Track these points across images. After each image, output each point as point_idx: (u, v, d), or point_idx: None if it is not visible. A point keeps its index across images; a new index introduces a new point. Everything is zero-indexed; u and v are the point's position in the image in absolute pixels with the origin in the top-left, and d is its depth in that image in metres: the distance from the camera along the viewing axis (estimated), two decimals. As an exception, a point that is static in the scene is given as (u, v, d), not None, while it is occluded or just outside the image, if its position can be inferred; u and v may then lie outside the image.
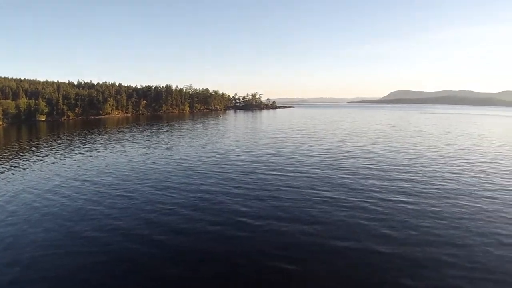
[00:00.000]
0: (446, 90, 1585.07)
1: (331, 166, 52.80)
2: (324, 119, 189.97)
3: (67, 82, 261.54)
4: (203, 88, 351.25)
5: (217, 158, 60.60)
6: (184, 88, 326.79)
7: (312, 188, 40.09)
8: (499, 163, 56.17)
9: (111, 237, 27.22)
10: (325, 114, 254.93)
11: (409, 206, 33.60)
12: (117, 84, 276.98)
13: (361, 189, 39.71)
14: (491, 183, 42.77)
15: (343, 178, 45.10)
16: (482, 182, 43.16)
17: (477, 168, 52.07)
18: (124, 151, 70.66)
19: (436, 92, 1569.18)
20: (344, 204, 34.39)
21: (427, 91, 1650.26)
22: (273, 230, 28.16)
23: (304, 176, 46.16)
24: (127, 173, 49.33)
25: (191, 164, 55.48)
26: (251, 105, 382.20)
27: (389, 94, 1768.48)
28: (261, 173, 47.87)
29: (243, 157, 61.51)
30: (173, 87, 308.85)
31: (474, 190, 39.61)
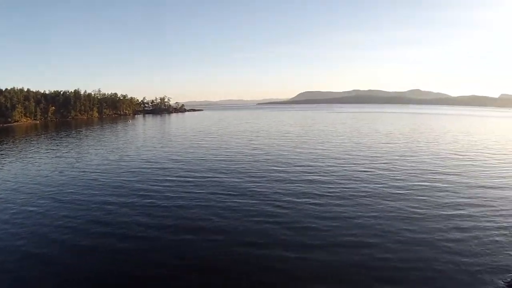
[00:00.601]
0: (355, 89, 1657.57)
1: (237, 170, 53.29)
2: (232, 121, 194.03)
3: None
4: (111, 93, 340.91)
5: (122, 166, 58.99)
6: (92, 93, 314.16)
7: (217, 194, 39.93)
8: (406, 159, 60.09)
9: (4, 255, 25.73)
10: (233, 117, 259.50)
11: (315, 207, 34.15)
12: (25, 89, 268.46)
13: (267, 193, 39.90)
14: (397, 180, 45.19)
15: (249, 182, 45.51)
16: (388, 179, 45.29)
17: (383, 165, 54.69)
18: (29, 161, 66.58)
19: (344, 92, 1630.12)
20: (249, 209, 34.43)
21: (336, 91, 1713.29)
22: (175, 240, 27.68)
23: (209, 181, 46.12)
24: (28, 186, 46.66)
25: (96, 173, 53.47)
26: (160, 109, 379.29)
27: (298, 95, 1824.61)
28: (166, 181, 47.19)
29: (148, 164, 60.34)
30: (82, 92, 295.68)
31: (380, 188, 41.36)
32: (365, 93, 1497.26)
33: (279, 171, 51.64)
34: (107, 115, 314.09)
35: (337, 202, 36.01)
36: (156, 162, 62.27)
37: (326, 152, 69.68)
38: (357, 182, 44.16)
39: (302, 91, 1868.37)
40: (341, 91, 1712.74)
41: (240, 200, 37.33)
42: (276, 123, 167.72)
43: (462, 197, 37.33)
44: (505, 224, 29.05)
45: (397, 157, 62.38)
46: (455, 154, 66.26)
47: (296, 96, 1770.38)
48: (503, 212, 32.16)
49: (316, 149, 74.08)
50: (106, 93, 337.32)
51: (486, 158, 62.07)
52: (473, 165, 55.82)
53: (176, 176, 49.88)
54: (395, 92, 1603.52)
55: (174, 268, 23.44)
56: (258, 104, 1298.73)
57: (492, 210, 32.94)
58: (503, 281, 20.35)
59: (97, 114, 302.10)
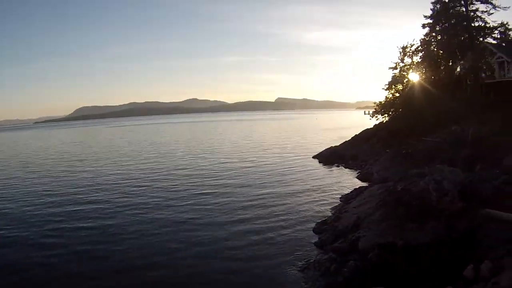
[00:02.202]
0: (132, 102, 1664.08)
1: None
2: (8, 144, 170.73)
3: None
4: None
5: None
6: None
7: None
8: (183, 170, 58.33)
9: None
10: (8, 138, 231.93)
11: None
12: None
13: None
14: (170, 192, 43.26)
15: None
16: (163, 193, 42.66)
17: (162, 178, 51.64)
18: None
19: (122, 105, 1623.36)
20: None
21: (113, 105, 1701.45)
22: None
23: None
24: None
25: None
26: None
27: (75, 111, 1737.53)
28: None
29: None
30: None
31: (152, 202, 38.55)
32: (143, 106, 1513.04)
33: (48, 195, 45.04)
34: None
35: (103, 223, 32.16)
36: None
37: (102, 169, 64.09)
38: (129, 196, 41.37)
39: (80, 107, 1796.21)
40: (118, 104, 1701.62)
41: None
42: (52, 142, 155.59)
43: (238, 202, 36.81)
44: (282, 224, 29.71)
45: (173, 168, 60.08)
46: (227, 159, 68.05)
47: (73, 112, 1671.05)
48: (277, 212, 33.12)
49: (95, 166, 68.27)
50: None
51: (257, 159, 66.39)
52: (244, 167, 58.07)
53: None
54: (172, 102, 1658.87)
55: None
56: (35, 123, 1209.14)
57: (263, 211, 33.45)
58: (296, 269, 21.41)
59: None
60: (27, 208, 38.88)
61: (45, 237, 29.19)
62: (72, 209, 37.64)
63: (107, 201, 40.42)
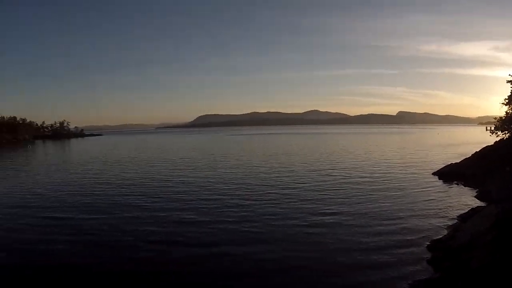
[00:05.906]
0: (253, 112, 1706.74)
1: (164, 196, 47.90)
2: (132, 146, 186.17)
3: None
4: (10, 116, 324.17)
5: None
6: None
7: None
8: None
9: None
10: (133, 142, 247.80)
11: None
12: None
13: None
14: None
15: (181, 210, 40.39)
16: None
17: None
18: None
19: (244, 114, 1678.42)
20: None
21: (235, 113, 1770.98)
22: None
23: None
24: None
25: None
26: (60, 133, 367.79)
27: (197, 118, 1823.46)
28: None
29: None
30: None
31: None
32: (263, 115, 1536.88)
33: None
34: (7, 140, 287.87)
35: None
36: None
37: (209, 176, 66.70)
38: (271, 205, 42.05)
39: (201, 114, 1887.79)
40: (239, 113, 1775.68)
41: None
42: (177, 147, 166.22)
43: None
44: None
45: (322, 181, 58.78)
46: (349, 172, 68.59)
47: (195, 120, 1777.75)
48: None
49: (220, 172, 71.37)
50: (5, 117, 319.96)
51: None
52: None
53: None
54: (293, 113, 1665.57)
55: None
56: (157, 128, 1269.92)
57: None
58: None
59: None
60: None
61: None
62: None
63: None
